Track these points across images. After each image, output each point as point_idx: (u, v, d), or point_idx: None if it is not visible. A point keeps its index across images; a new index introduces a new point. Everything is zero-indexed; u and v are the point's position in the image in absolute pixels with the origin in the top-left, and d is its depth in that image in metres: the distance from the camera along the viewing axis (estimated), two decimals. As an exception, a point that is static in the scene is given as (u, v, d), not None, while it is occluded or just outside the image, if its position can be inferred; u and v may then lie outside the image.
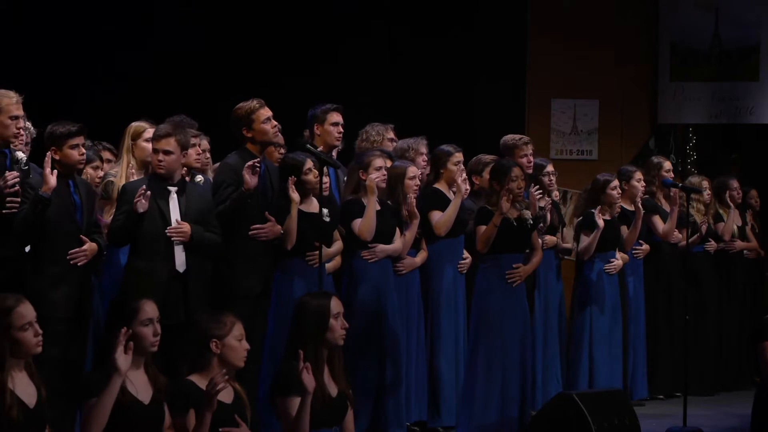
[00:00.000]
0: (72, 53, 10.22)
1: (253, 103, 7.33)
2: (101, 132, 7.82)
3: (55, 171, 6.46)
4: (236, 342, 5.59)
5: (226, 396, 5.51)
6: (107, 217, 7.08)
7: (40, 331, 5.02)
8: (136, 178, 7.11)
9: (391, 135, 8.52)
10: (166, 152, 6.81)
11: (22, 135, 6.77)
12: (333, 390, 5.88)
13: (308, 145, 7.26)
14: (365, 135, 8.47)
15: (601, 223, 9.14)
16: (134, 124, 7.32)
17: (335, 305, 5.94)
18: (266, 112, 7.35)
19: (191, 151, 7.21)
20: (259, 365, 7.23)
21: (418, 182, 8.02)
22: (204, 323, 5.63)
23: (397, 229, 7.89)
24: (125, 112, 7.58)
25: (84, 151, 6.71)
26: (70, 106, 9.29)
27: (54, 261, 6.56)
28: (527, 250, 8.06)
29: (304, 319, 5.89)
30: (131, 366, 5.26)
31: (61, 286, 6.52)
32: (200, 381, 5.48)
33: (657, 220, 9.92)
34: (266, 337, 7.32)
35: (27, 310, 5.02)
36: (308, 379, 5.63)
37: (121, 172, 7.15)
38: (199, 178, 7.37)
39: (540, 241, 8.40)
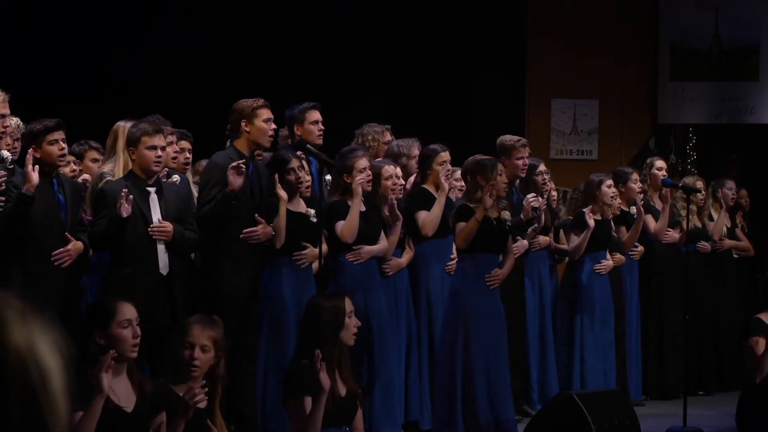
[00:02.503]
0: (71, 53, 10.22)
1: (259, 101, 7.30)
2: (101, 132, 7.80)
3: (37, 168, 6.35)
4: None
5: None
6: None
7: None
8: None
9: (388, 137, 8.47)
10: (163, 148, 6.74)
11: (7, 133, 6.72)
12: (342, 390, 5.89)
13: (308, 146, 7.25)
14: (361, 138, 8.42)
15: (591, 223, 9.10)
16: (128, 126, 7.19)
17: (348, 304, 5.96)
18: (269, 113, 7.30)
19: (168, 149, 7.13)
20: (254, 366, 7.22)
21: (396, 181, 7.87)
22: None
23: (382, 230, 7.84)
24: (125, 112, 7.55)
25: (64, 146, 6.58)
26: (70, 106, 9.28)
27: (39, 260, 6.46)
28: (502, 254, 7.87)
29: (319, 320, 5.88)
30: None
31: (46, 285, 6.36)
32: (172, 384, 5.36)
33: (649, 219, 9.90)
34: (259, 338, 7.29)
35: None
36: (325, 379, 5.63)
37: (118, 171, 7.07)
38: (176, 177, 7.30)
39: (517, 244, 8.33)
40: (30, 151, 6.44)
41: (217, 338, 5.36)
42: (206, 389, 5.26)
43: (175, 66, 10.54)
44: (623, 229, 9.60)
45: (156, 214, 6.70)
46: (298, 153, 7.52)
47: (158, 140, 6.69)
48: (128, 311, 5.18)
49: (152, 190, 6.72)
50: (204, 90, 10.31)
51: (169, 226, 6.69)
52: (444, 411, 7.68)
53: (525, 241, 8.72)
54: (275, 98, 7.61)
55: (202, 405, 5.26)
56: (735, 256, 10.84)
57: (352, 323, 5.94)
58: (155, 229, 6.66)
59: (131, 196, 6.51)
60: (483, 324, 7.61)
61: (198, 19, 10.75)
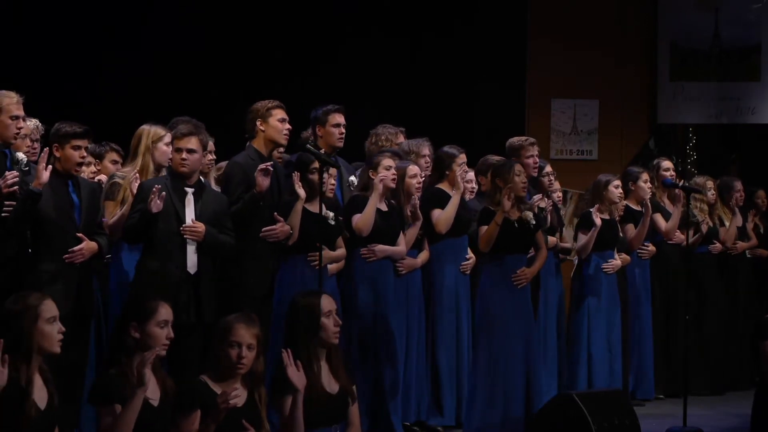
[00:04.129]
0: (72, 53, 10.22)
1: (274, 101, 7.55)
2: (101, 132, 7.81)
3: (50, 167, 6.44)
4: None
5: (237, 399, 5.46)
6: (110, 218, 7.05)
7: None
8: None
9: (401, 140, 8.52)
10: (190, 151, 6.87)
11: (22, 135, 6.77)
12: (334, 388, 5.87)
13: (308, 146, 7.27)
14: (375, 138, 8.48)
15: (598, 221, 9.13)
16: (153, 128, 7.25)
17: (326, 303, 5.93)
18: (283, 114, 7.56)
19: (192, 156, 7.20)
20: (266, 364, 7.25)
21: (420, 180, 8.00)
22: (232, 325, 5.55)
23: (401, 231, 7.87)
24: (125, 112, 7.59)
25: (85, 154, 6.72)
26: (70, 106, 9.28)
27: (50, 259, 6.54)
28: (531, 252, 7.97)
29: (295, 319, 5.90)
30: None
31: (58, 284, 6.48)
32: (213, 382, 5.45)
33: (659, 219, 9.90)
34: (270, 335, 7.32)
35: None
36: (296, 377, 5.62)
37: (135, 174, 7.12)
38: None
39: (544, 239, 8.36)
40: (46, 149, 6.54)
41: (260, 336, 5.53)
42: (241, 388, 5.40)
43: (175, 66, 10.54)
44: (630, 226, 9.60)
45: (190, 214, 6.84)
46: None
47: (182, 143, 6.87)
48: (167, 313, 5.41)
49: (190, 190, 6.88)
50: (204, 90, 10.31)
51: (201, 226, 6.82)
52: (470, 409, 7.75)
53: None
54: (275, 98, 7.64)
55: (239, 403, 5.37)
56: (748, 256, 10.84)
57: (330, 323, 5.91)
58: (186, 228, 6.80)
59: (163, 193, 6.67)
60: (513, 323, 7.70)
61: (198, 19, 10.75)
